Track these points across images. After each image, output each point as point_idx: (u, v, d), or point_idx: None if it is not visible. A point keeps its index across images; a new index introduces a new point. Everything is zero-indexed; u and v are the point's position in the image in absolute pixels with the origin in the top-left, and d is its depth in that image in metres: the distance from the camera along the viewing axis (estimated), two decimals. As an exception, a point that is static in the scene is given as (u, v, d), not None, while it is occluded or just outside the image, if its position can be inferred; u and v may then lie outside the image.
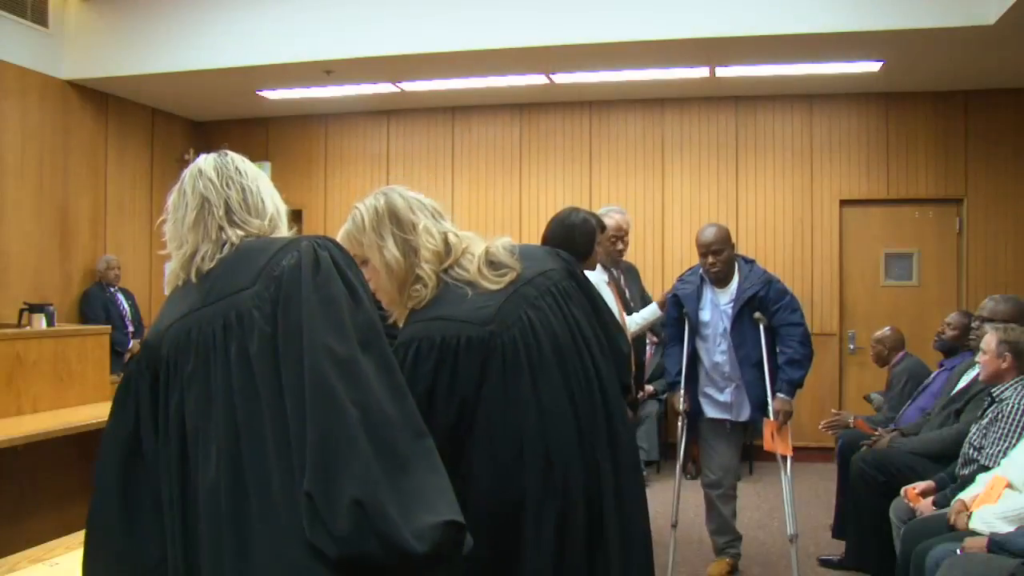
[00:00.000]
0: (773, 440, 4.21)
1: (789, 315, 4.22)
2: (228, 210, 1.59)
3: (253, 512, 1.38)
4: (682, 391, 4.41)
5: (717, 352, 4.32)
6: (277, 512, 1.36)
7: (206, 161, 1.65)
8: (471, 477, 1.74)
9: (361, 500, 1.28)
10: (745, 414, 4.34)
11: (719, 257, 4.25)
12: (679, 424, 4.49)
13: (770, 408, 4.19)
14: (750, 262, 4.40)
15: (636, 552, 1.89)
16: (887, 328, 5.71)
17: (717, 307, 4.32)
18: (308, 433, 1.33)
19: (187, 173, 1.65)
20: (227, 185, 1.61)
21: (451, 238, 1.95)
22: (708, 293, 4.36)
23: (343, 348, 1.38)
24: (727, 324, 4.27)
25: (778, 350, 4.24)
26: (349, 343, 1.39)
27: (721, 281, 4.32)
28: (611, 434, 1.86)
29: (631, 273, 5.06)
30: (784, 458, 4.23)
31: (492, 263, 1.91)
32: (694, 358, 4.39)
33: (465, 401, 1.76)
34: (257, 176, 1.67)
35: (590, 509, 1.79)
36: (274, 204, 1.66)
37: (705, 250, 4.28)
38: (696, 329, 4.35)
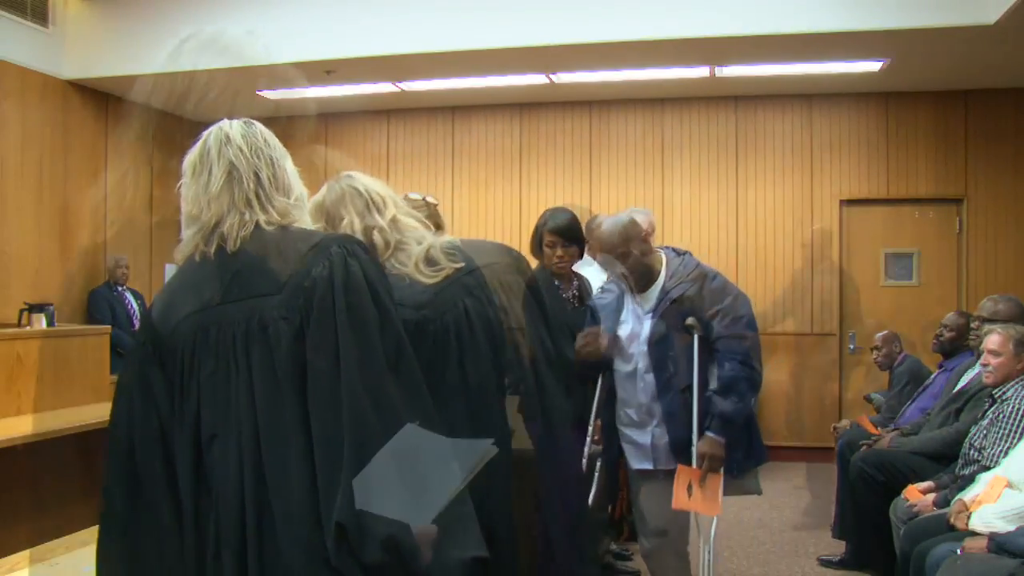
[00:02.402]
0: (690, 496, 3.04)
1: (730, 324, 3.09)
2: (258, 183, 1.53)
3: (275, 523, 1.38)
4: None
5: (636, 378, 3.21)
6: (297, 527, 1.36)
7: (232, 127, 1.57)
8: None
9: (396, 536, 1.30)
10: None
11: (627, 262, 3.17)
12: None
13: (693, 451, 3.08)
14: (682, 254, 3.28)
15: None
16: (884, 332, 5.71)
17: (639, 319, 3.23)
18: (344, 467, 1.33)
19: (211, 136, 1.56)
20: (257, 156, 1.55)
21: (376, 236, 1.90)
22: (630, 302, 3.28)
23: (376, 379, 1.38)
24: (646, 339, 3.18)
25: (714, 373, 3.14)
26: (381, 371, 1.39)
27: (641, 284, 3.23)
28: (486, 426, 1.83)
29: None
30: (710, 520, 3.16)
31: (429, 260, 1.90)
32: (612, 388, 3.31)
33: None
34: (284, 152, 1.62)
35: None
36: (299, 183, 1.61)
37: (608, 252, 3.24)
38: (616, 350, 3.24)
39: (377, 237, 1.91)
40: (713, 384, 3.10)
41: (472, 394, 1.79)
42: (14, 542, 2.86)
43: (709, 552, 3.18)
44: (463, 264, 1.90)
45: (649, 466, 3.19)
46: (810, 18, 5.66)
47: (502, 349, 1.83)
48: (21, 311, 5.67)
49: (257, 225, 1.50)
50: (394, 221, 1.94)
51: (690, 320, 3.10)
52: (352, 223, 1.91)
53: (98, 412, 4.69)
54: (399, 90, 7.32)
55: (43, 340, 4.89)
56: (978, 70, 6.56)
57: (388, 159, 8.09)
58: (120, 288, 7.16)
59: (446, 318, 1.81)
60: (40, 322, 5.49)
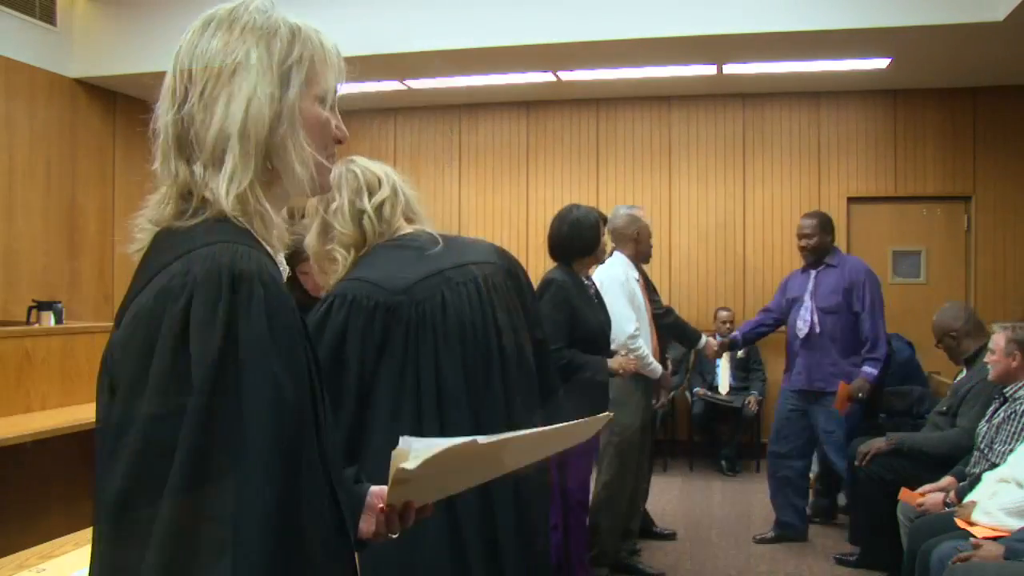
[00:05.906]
0: None
1: None
2: None
3: None
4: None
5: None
6: None
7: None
8: (370, 444, 1.74)
9: None
10: None
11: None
12: None
13: None
14: None
15: (531, 548, 1.88)
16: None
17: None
18: None
19: None
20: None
21: (365, 222, 1.93)
22: None
23: None
24: None
25: None
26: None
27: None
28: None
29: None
30: None
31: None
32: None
33: (365, 363, 1.77)
34: None
35: (483, 497, 1.76)
36: None
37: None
38: None
39: (367, 223, 1.94)
40: None
41: (441, 386, 1.78)
42: (23, 539, 2.87)
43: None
44: (455, 255, 1.90)
45: None
46: (817, 15, 5.65)
47: (470, 349, 1.82)
48: (29, 309, 5.69)
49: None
50: (380, 207, 1.95)
51: None
52: (343, 206, 1.94)
53: (106, 409, 4.70)
54: (406, 88, 7.32)
55: (51, 338, 4.90)
56: (986, 67, 6.53)
57: (395, 157, 8.08)
58: None
59: (423, 306, 1.80)
60: (48, 320, 5.51)
